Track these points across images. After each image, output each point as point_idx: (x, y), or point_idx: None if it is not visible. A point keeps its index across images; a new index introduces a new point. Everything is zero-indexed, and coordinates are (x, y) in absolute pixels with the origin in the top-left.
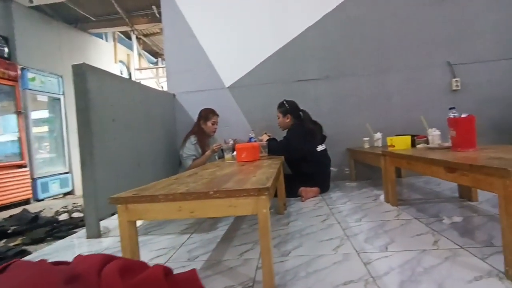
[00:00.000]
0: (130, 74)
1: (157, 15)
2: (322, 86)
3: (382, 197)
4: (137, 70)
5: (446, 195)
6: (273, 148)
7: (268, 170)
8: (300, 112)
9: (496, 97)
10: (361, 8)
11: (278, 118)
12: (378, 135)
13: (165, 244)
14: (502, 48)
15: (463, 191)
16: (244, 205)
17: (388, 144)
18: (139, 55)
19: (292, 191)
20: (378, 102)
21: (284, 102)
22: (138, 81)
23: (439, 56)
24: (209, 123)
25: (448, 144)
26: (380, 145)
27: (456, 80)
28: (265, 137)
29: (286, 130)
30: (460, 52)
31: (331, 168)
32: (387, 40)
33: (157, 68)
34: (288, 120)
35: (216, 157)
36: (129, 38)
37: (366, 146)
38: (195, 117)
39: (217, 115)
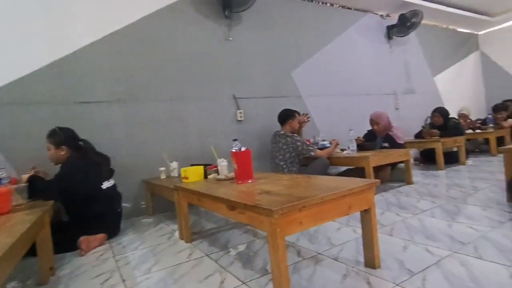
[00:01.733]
0: None
1: None
2: (114, 110)
3: (177, 234)
4: None
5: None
6: (40, 189)
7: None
8: (80, 142)
9: (268, 128)
10: (156, 34)
11: (49, 150)
12: (175, 164)
13: None
14: (270, 89)
15: None
16: None
17: (182, 175)
18: None
19: (69, 244)
20: (175, 129)
21: (57, 130)
22: None
23: (227, 89)
24: None
25: (233, 174)
26: (177, 174)
27: (240, 112)
28: (25, 177)
29: (61, 164)
30: (243, 87)
31: (124, 205)
32: (184, 69)
33: None
34: (63, 153)
35: None
36: None
37: (163, 176)
38: None
39: None
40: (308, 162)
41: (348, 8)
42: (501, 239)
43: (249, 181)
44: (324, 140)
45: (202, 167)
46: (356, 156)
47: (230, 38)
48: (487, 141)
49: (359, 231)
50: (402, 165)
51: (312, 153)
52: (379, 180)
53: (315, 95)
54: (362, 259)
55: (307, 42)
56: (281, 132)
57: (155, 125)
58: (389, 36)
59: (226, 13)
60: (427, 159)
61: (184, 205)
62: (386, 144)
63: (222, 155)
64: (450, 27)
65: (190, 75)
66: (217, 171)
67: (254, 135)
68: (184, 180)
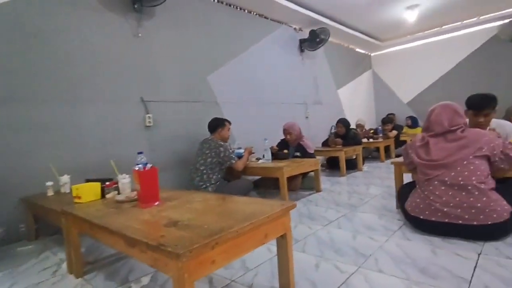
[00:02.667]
0: None
1: None
2: None
3: (65, 265)
4: None
5: None
6: None
7: None
8: None
9: (181, 135)
10: (41, 20)
11: None
12: (66, 178)
13: None
14: (184, 92)
15: None
16: None
17: (74, 194)
18: None
19: None
20: (68, 137)
21: None
22: None
23: (134, 91)
24: None
25: (136, 193)
26: (68, 190)
27: (149, 116)
28: None
29: None
30: (153, 90)
31: None
32: (80, 66)
33: None
34: None
35: None
36: None
37: (50, 193)
38: None
39: None
40: (231, 177)
41: (265, 17)
42: (395, 250)
43: (155, 204)
44: (239, 148)
45: (98, 184)
46: (271, 167)
47: (140, 35)
48: (377, 148)
49: (274, 249)
50: (312, 173)
51: (233, 161)
52: (294, 203)
53: (232, 102)
54: (277, 284)
55: (224, 47)
56: (209, 138)
57: (40, 131)
58: (301, 49)
59: (135, 6)
60: (332, 165)
61: (74, 233)
62: (298, 154)
63: (127, 167)
64: (351, 46)
65: (88, 73)
66: (117, 189)
67: (166, 142)
68: (76, 200)
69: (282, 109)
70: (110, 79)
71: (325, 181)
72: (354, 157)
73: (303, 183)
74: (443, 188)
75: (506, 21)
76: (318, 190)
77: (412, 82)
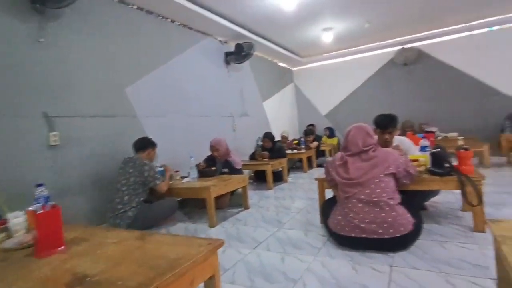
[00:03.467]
0: None
1: None
2: None
3: None
4: None
5: None
6: None
7: None
8: None
9: (96, 153)
10: None
11: None
12: None
13: None
14: (98, 106)
15: None
16: None
17: None
18: None
19: None
20: None
21: None
22: None
23: (35, 105)
24: None
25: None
26: None
27: (55, 134)
28: None
29: None
30: (60, 103)
31: None
32: None
33: None
34: None
35: None
36: None
37: None
38: None
39: None
40: (154, 198)
41: (189, 28)
42: (321, 271)
43: (58, 249)
44: (161, 166)
45: None
46: (197, 187)
47: (42, 40)
48: (301, 159)
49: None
50: (240, 189)
51: (157, 182)
52: (222, 240)
53: (153, 116)
54: None
55: (145, 57)
56: (134, 157)
57: None
58: (227, 62)
59: (37, 7)
60: (260, 178)
61: None
62: (226, 170)
63: (22, 200)
64: (274, 60)
65: None
66: (7, 231)
67: (77, 163)
68: None
69: (209, 123)
70: (3, 91)
71: (253, 195)
72: (280, 169)
73: (232, 200)
74: (360, 205)
75: (399, 47)
76: (246, 207)
77: (329, 96)
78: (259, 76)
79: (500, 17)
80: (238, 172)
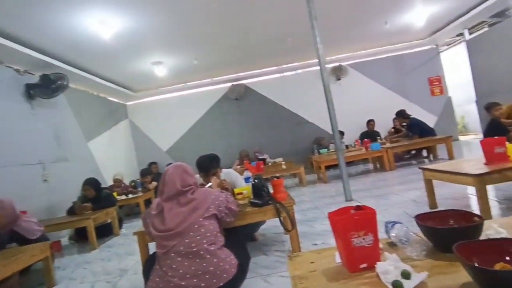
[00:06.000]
0: None
1: None
2: None
3: None
4: None
5: None
6: None
7: None
8: None
9: None
10: None
11: None
12: None
13: None
14: None
15: None
16: None
17: None
18: None
19: None
20: None
21: None
22: None
23: None
24: None
25: None
26: None
27: None
28: None
29: None
30: None
31: None
32: None
33: None
34: None
35: None
36: None
37: None
38: None
39: None
40: None
41: None
42: None
43: None
44: None
45: None
46: None
47: None
48: (138, 203)
49: None
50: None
51: None
52: None
53: None
54: None
55: None
56: None
57: None
58: (30, 96)
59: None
60: (82, 235)
61: None
62: (13, 244)
63: None
64: (101, 94)
65: None
66: None
67: None
68: None
69: (4, 175)
70: None
71: (68, 262)
72: (109, 221)
73: (29, 280)
74: (179, 259)
75: (230, 84)
76: (51, 286)
77: (169, 131)
78: (81, 113)
79: (302, 63)
80: (31, 242)
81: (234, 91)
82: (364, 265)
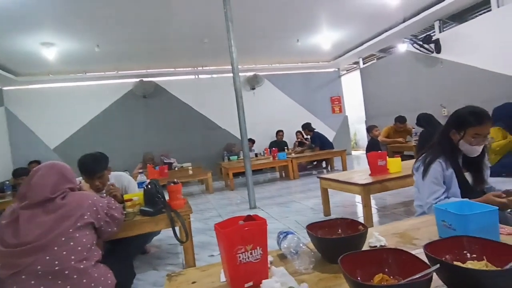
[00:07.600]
0: None
1: None
2: None
3: None
4: None
5: None
6: None
7: None
8: None
9: None
10: None
11: None
12: None
13: None
14: None
15: None
16: None
17: None
18: None
19: None
20: None
21: None
22: None
23: None
24: None
25: None
26: None
27: None
28: None
29: None
30: None
31: None
32: None
33: None
34: None
35: None
36: None
37: None
38: None
39: None
40: None
41: None
42: None
43: None
44: None
45: None
46: None
47: None
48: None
49: None
50: None
51: None
52: None
53: None
54: None
55: None
56: None
57: None
58: None
59: None
60: None
61: None
62: None
63: None
64: None
65: None
66: None
67: None
68: None
69: None
70: None
71: None
72: None
73: None
74: (33, 282)
75: (138, 80)
76: None
77: (59, 126)
78: None
79: (218, 67)
80: None
81: (141, 88)
82: (250, 284)
